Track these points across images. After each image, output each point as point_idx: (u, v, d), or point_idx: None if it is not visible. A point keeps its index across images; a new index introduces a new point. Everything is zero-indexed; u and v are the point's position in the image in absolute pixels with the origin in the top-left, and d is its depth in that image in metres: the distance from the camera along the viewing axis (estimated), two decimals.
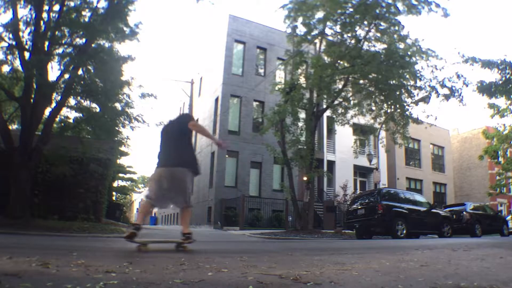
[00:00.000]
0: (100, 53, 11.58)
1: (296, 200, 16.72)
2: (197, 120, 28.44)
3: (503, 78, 13.81)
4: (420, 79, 15.06)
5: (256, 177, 23.83)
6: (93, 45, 11.52)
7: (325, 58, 16.05)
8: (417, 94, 15.59)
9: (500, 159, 25.05)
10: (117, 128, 13.17)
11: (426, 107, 24.00)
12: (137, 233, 4.98)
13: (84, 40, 11.50)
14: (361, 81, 16.28)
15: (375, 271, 3.39)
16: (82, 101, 12.25)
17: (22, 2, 10.74)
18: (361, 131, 24.95)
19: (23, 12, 11.04)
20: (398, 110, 16.21)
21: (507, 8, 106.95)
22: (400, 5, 14.11)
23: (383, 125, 18.65)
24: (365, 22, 14.65)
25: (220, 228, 19.07)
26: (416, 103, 15.97)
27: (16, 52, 10.95)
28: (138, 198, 71.60)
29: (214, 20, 55.03)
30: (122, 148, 20.60)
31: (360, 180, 29.90)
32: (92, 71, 11.84)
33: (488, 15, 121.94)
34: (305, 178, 16.65)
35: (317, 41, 16.82)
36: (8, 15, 11.05)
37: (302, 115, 17.57)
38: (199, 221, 24.54)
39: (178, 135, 5.43)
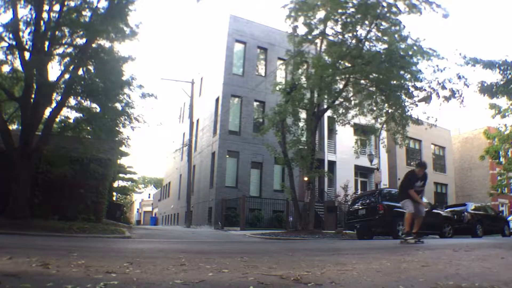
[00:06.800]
0: (100, 53, 11.58)
1: (297, 201, 16.67)
2: (198, 120, 28.48)
3: (505, 79, 13.81)
4: (421, 80, 15.03)
5: (256, 178, 23.81)
6: (93, 45, 11.52)
7: (326, 58, 16.01)
8: (418, 95, 15.56)
9: (502, 159, 25.02)
10: (117, 128, 13.15)
11: (427, 108, 23.91)
12: None
13: (84, 40, 11.50)
14: (362, 81, 16.25)
15: (376, 272, 3.38)
16: (83, 101, 12.24)
17: (22, 2, 10.75)
18: (362, 131, 24.88)
19: (23, 12, 11.06)
20: (399, 111, 16.17)
21: (508, 8, 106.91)
22: (401, 5, 14.08)
23: (384, 125, 18.62)
24: (366, 22, 14.61)
25: (221, 229, 19.04)
26: (416, 104, 15.94)
27: (16, 52, 10.95)
28: (138, 198, 71.76)
29: (214, 20, 54.99)
30: (123, 148, 20.62)
31: (361, 180, 29.87)
32: (92, 71, 11.84)
33: (489, 15, 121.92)
34: (306, 179, 16.63)
35: (318, 41, 16.78)
36: (8, 15, 11.06)
37: (303, 115, 17.54)
38: (199, 221, 24.53)
39: None
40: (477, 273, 3.37)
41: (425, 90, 15.13)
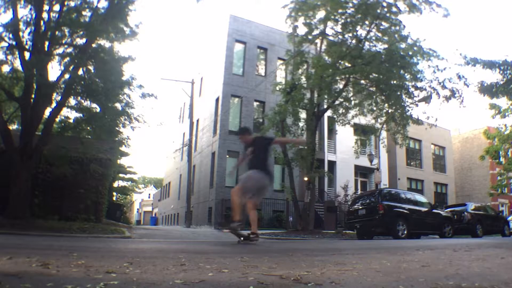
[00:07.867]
0: (100, 53, 11.56)
1: (297, 201, 16.68)
2: (198, 120, 28.48)
3: (505, 79, 13.83)
4: (421, 80, 15.04)
5: None
6: (93, 45, 11.50)
7: (326, 58, 16.03)
8: (418, 95, 15.57)
9: (502, 159, 25.06)
10: (117, 128, 13.14)
11: (427, 108, 23.98)
12: None
13: (84, 40, 11.48)
14: (362, 81, 16.26)
15: (376, 272, 3.38)
16: (83, 101, 12.22)
17: (22, 2, 10.73)
18: (362, 131, 24.90)
19: (23, 12, 11.04)
20: (399, 111, 16.18)
21: (508, 8, 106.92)
22: (401, 5, 14.09)
23: (384, 125, 18.64)
24: (366, 22, 14.62)
25: (221, 229, 19.03)
26: (416, 104, 15.95)
27: (16, 52, 10.93)
28: (138, 198, 71.76)
29: (214, 20, 55.00)
30: (123, 148, 20.60)
31: (361, 180, 29.88)
32: (92, 71, 11.82)
33: (489, 15, 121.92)
34: (306, 179, 16.62)
35: (318, 41, 16.79)
36: (8, 15, 11.04)
37: (303, 115, 17.54)
38: (199, 221, 24.53)
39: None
40: (477, 273, 3.36)
41: (425, 90, 15.14)
